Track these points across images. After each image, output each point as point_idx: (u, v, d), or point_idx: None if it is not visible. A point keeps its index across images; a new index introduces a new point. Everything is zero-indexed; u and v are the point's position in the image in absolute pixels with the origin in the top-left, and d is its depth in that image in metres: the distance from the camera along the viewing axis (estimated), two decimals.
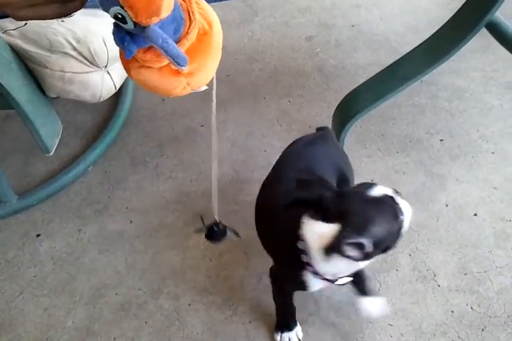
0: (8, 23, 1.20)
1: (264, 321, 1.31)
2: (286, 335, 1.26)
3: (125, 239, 1.50)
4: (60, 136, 1.44)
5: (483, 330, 1.26)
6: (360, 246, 0.88)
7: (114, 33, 0.62)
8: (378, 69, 1.52)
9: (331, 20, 2.19)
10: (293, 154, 1.28)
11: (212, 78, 0.77)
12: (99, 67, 1.29)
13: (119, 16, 0.58)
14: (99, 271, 1.44)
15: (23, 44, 1.20)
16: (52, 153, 1.40)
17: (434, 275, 1.36)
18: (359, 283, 1.21)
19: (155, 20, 0.57)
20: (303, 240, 0.96)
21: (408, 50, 1.46)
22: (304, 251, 0.97)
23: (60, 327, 1.34)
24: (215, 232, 1.00)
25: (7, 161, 1.72)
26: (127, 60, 0.68)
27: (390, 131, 1.72)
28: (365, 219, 0.90)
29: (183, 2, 0.66)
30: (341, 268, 0.97)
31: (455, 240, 1.43)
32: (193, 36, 0.66)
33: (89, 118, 1.85)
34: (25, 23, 1.17)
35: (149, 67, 0.67)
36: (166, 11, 0.58)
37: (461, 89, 1.85)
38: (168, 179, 1.65)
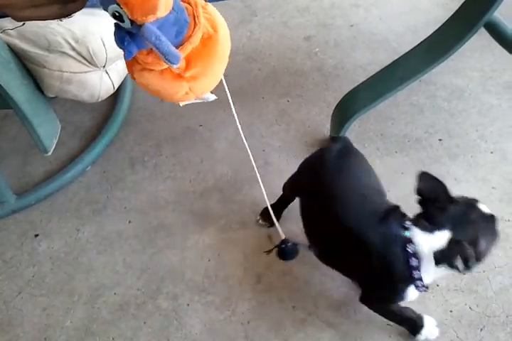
0: (7, 23, 1.19)
1: (262, 321, 1.31)
2: (426, 330, 1.23)
3: (124, 239, 1.50)
4: (58, 136, 1.44)
5: (481, 330, 1.26)
6: (467, 260, 0.89)
7: (114, 34, 0.63)
8: (377, 69, 1.52)
9: (330, 20, 2.19)
10: (335, 172, 1.22)
11: (221, 80, 0.77)
12: (98, 67, 1.29)
13: (117, 14, 0.58)
14: (97, 271, 1.44)
15: (21, 44, 1.20)
16: (50, 153, 1.40)
17: None
18: None
19: (151, 18, 0.57)
20: (411, 243, 0.98)
21: (407, 50, 1.46)
22: (413, 255, 0.97)
23: (59, 327, 1.33)
24: (285, 250, 1.02)
25: (5, 161, 1.71)
26: (130, 63, 0.68)
27: (388, 130, 1.72)
28: (478, 233, 0.91)
29: (188, 6, 0.67)
30: (440, 275, 0.99)
31: None
32: (196, 40, 0.66)
33: (87, 118, 1.85)
34: (24, 23, 1.17)
35: (151, 69, 0.67)
36: (163, 10, 0.58)
37: (460, 88, 1.84)
38: (166, 179, 1.64)
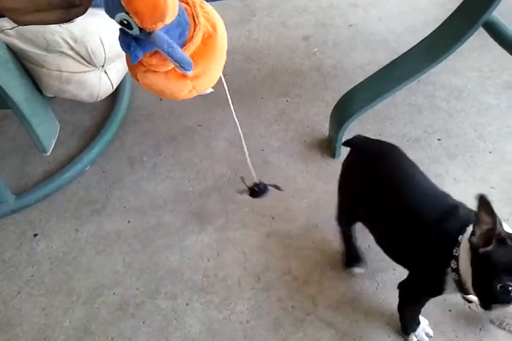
0: (5, 23, 1.19)
1: (261, 321, 1.31)
2: (420, 330, 1.24)
3: (122, 239, 1.50)
4: (57, 136, 1.44)
5: (480, 329, 1.26)
6: None
7: (120, 39, 0.63)
8: (376, 69, 1.52)
9: (329, 19, 2.19)
10: (392, 166, 1.24)
11: (220, 79, 0.78)
12: (97, 67, 1.29)
13: (125, 22, 0.58)
14: (96, 271, 1.44)
15: (20, 43, 1.20)
16: (49, 153, 1.40)
17: None
18: None
19: (160, 25, 0.58)
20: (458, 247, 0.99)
21: (406, 50, 1.47)
22: (454, 258, 0.99)
23: (58, 326, 1.33)
24: (257, 191, 1.04)
25: (4, 161, 1.71)
26: (134, 66, 0.69)
27: (387, 130, 1.72)
28: None
29: (187, 6, 0.67)
30: None
31: None
32: (198, 40, 0.67)
33: (86, 117, 1.85)
34: None
35: (155, 71, 0.68)
36: (170, 17, 0.59)
37: (459, 88, 1.85)
38: (165, 178, 1.65)
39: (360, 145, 1.32)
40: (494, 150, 1.63)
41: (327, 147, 1.67)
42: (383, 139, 1.68)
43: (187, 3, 0.68)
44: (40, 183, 1.62)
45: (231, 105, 0.89)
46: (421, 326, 1.25)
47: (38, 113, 1.32)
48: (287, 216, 1.51)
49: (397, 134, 1.70)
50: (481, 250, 0.92)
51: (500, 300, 0.91)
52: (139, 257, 1.46)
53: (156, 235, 1.50)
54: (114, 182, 1.65)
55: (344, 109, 1.56)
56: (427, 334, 1.25)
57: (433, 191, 1.16)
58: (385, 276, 1.36)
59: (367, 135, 1.69)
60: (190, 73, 0.65)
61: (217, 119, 1.81)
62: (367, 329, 1.27)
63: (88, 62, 1.27)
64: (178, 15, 0.62)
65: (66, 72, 1.26)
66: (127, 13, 0.57)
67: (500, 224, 0.94)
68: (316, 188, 1.57)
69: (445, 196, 1.14)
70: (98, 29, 1.26)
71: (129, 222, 1.54)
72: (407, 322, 1.25)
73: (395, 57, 1.49)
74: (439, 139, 1.68)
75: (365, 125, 1.73)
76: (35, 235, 1.52)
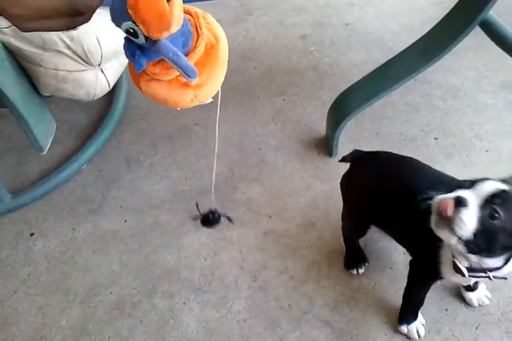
0: (1, 21, 1.19)
1: (258, 320, 1.31)
2: (413, 325, 1.25)
3: (119, 238, 1.50)
4: (53, 135, 1.43)
5: (476, 328, 1.26)
6: None
7: (125, 47, 0.64)
8: (373, 68, 1.53)
9: (326, 19, 2.19)
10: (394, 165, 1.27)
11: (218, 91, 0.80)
12: (93, 66, 1.29)
13: (131, 31, 0.59)
14: (93, 270, 1.44)
15: (16, 42, 1.20)
16: (45, 152, 1.40)
17: None
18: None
19: (165, 34, 0.59)
20: None
21: (402, 49, 1.47)
22: None
23: (54, 326, 1.33)
24: (209, 219, 1.02)
25: (0, 160, 1.71)
26: (137, 74, 0.70)
27: (384, 129, 1.72)
28: None
29: (191, 17, 0.68)
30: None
31: None
32: (200, 50, 0.68)
33: (83, 116, 1.84)
34: None
35: (159, 80, 0.69)
36: (176, 26, 0.59)
37: (455, 87, 1.85)
38: (162, 178, 1.64)
39: (361, 158, 1.31)
40: (491, 149, 1.64)
41: (324, 146, 1.68)
42: (380, 138, 1.69)
43: (190, 15, 0.69)
44: (37, 182, 1.62)
45: (217, 114, 0.90)
46: (417, 321, 1.25)
47: (34, 112, 1.31)
48: (284, 215, 1.51)
49: (394, 133, 1.71)
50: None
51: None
52: (135, 256, 1.46)
53: (153, 234, 1.50)
54: (111, 181, 1.64)
55: (341, 108, 1.56)
56: (418, 332, 1.25)
57: (438, 175, 1.17)
58: (381, 275, 1.37)
59: (364, 134, 1.71)
60: (194, 81, 0.66)
61: (214, 118, 1.79)
62: (364, 328, 1.27)
63: (85, 61, 1.27)
64: (182, 25, 0.63)
65: (63, 70, 1.26)
66: (134, 22, 0.58)
67: None
68: (313, 187, 1.57)
69: (450, 179, 1.14)
70: (95, 28, 1.26)
71: (125, 221, 1.54)
72: (407, 310, 1.25)
73: (391, 56, 1.49)
74: (435, 138, 1.68)
75: (362, 124, 1.73)
76: (32, 234, 1.52)
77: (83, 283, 1.41)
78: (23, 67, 1.28)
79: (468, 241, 0.93)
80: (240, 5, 2.27)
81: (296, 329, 1.29)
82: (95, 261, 1.45)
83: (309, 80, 1.92)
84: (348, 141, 1.66)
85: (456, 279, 1.10)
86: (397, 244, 1.32)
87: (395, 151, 1.63)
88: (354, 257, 1.39)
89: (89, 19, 0.62)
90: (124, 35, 0.62)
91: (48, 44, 1.20)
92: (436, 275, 1.12)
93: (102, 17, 0.64)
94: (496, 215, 0.91)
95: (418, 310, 1.25)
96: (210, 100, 0.78)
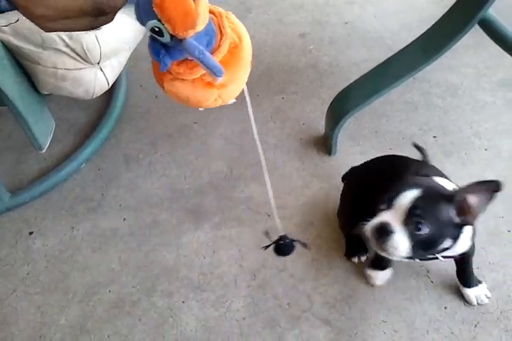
0: (0, 19, 1.19)
1: (257, 318, 1.31)
2: (376, 272, 1.32)
3: (118, 237, 1.50)
4: (52, 134, 1.43)
5: (475, 326, 1.26)
6: None
7: (149, 46, 0.65)
8: (372, 66, 1.52)
9: (325, 17, 2.19)
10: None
11: (242, 90, 0.81)
12: (92, 64, 1.29)
13: (156, 29, 0.59)
14: (92, 269, 1.44)
15: (15, 40, 1.19)
16: (45, 151, 1.40)
17: (427, 272, 1.36)
18: (466, 272, 1.28)
19: (191, 33, 0.60)
20: None
21: (402, 47, 1.46)
22: None
23: (54, 325, 1.33)
24: (282, 246, 1.01)
25: None
26: (161, 73, 0.70)
27: (383, 127, 1.72)
28: None
29: (214, 17, 0.69)
30: None
31: None
32: (224, 49, 0.69)
33: (82, 115, 1.84)
34: (18, 20, 1.16)
35: (183, 79, 0.69)
36: (201, 25, 0.60)
37: (454, 86, 1.85)
38: (161, 176, 1.64)
39: (357, 169, 1.39)
40: (490, 148, 1.64)
41: (323, 144, 1.67)
42: (379, 136, 1.69)
43: (213, 14, 0.69)
44: (36, 181, 1.62)
45: (251, 115, 0.90)
46: (382, 271, 1.32)
47: (33, 110, 1.31)
48: (283, 213, 1.51)
49: (393, 131, 1.71)
50: None
51: None
52: (134, 255, 1.46)
53: (152, 233, 1.50)
54: (110, 179, 1.64)
55: (340, 107, 1.56)
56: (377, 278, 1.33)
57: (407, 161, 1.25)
58: None
59: (363, 132, 1.71)
60: (220, 79, 0.66)
61: (213, 117, 1.81)
62: (362, 326, 1.28)
63: (84, 59, 1.26)
64: (206, 24, 0.63)
65: (62, 69, 1.26)
66: (159, 21, 0.59)
67: None
68: (312, 185, 1.57)
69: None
70: None
71: (124, 219, 1.54)
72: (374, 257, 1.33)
73: (390, 54, 1.49)
74: (434, 136, 1.68)
75: (361, 122, 1.73)
76: (31, 233, 1.52)
77: (82, 281, 1.41)
78: (22, 66, 1.28)
79: (409, 256, 1.01)
80: (239, 3, 2.27)
81: (295, 328, 1.29)
82: (94, 260, 1.45)
83: (308, 79, 1.92)
84: (347, 140, 1.66)
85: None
86: None
87: (393, 149, 1.64)
88: (354, 246, 1.40)
89: (112, 19, 0.63)
90: (149, 33, 0.62)
91: (47, 42, 1.20)
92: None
93: None
94: (422, 226, 0.97)
95: (384, 262, 1.30)
96: (233, 101, 0.79)
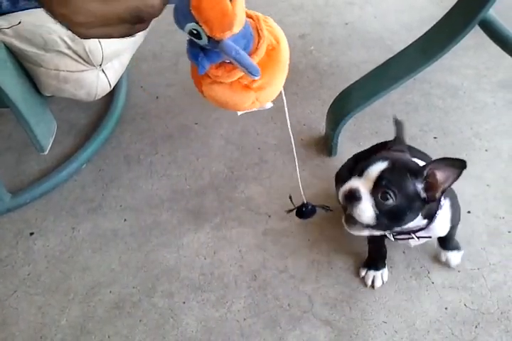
0: (2, 22, 1.19)
1: (258, 319, 1.31)
2: (371, 273, 1.34)
3: (119, 237, 1.50)
4: (54, 135, 1.43)
5: (476, 327, 1.26)
6: None
7: (188, 50, 0.65)
8: (372, 67, 1.53)
9: (325, 18, 2.19)
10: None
11: (280, 93, 0.81)
12: (94, 66, 1.29)
13: (194, 32, 0.60)
14: (93, 270, 1.44)
15: (17, 43, 1.19)
16: (47, 152, 1.39)
17: (428, 273, 1.36)
18: (446, 238, 1.31)
19: (228, 34, 0.60)
20: None
21: (402, 48, 1.47)
22: None
23: (54, 325, 1.33)
24: (304, 211, 1.03)
25: (0, 159, 1.71)
26: (199, 77, 0.71)
27: (383, 128, 1.72)
28: None
29: (251, 20, 0.70)
30: None
31: None
32: (262, 52, 0.69)
33: (82, 116, 1.84)
34: (20, 22, 1.17)
35: (221, 82, 0.70)
36: (238, 26, 0.61)
37: (454, 86, 1.85)
38: (162, 177, 1.65)
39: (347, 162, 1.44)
40: (490, 149, 1.64)
41: (323, 145, 1.68)
42: (380, 137, 1.69)
43: (251, 18, 0.70)
44: (36, 182, 1.62)
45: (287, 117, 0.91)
46: (377, 271, 1.34)
47: (36, 112, 1.31)
48: (284, 214, 1.50)
49: (394, 132, 1.70)
50: None
51: None
52: (135, 255, 1.46)
53: (153, 233, 1.50)
54: (111, 180, 1.65)
55: (340, 108, 1.56)
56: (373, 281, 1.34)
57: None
58: None
59: (363, 133, 1.71)
60: (257, 78, 0.66)
61: (214, 117, 1.81)
62: (363, 327, 1.28)
63: (86, 61, 1.26)
64: (244, 27, 0.64)
65: (64, 71, 1.26)
66: (197, 23, 0.59)
67: None
68: (313, 186, 1.57)
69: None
70: None
71: (125, 220, 1.54)
72: (369, 255, 1.37)
73: (390, 55, 1.49)
74: (435, 137, 1.68)
75: (361, 123, 1.73)
76: (32, 234, 1.52)
77: (83, 282, 1.41)
78: (25, 68, 1.28)
79: (376, 225, 1.05)
80: None
81: (295, 329, 1.29)
82: (95, 261, 1.45)
83: (309, 79, 1.92)
84: (347, 140, 1.67)
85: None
86: (395, 244, 1.32)
87: None
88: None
89: (148, 26, 0.63)
90: (188, 37, 0.62)
91: (49, 44, 1.20)
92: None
93: None
94: (388, 196, 1.02)
95: (377, 261, 1.34)
96: (270, 105, 0.80)
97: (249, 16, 0.69)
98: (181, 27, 0.61)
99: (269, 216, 1.51)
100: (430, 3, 2.22)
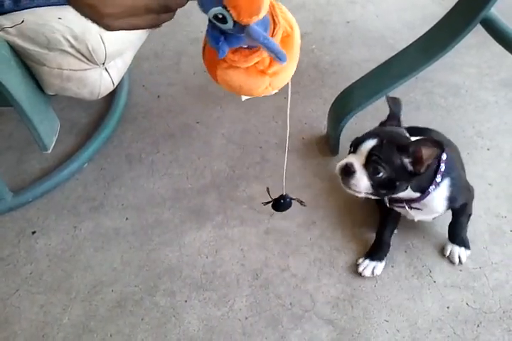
0: (5, 21, 1.19)
1: (260, 318, 1.31)
2: (366, 262, 1.37)
3: (121, 236, 1.50)
4: (57, 134, 1.43)
5: (478, 326, 1.26)
6: None
7: (208, 34, 0.66)
8: (374, 66, 1.52)
9: (327, 16, 2.19)
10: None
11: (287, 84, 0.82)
12: (97, 64, 1.29)
13: (220, 16, 0.60)
14: (94, 268, 1.44)
15: (20, 42, 1.19)
16: (50, 151, 1.39)
17: (430, 272, 1.36)
18: (454, 227, 1.39)
19: (255, 19, 0.60)
20: None
21: (404, 47, 1.47)
22: None
23: (56, 324, 1.34)
24: (281, 204, 1.09)
25: (1, 158, 1.71)
26: (215, 62, 0.72)
27: None
28: None
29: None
30: None
31: None
32: (278, 38, 0.70)
33: (84, 115, 1.84)
34: (23, 21, 1.16)
35: (237, 67, 0.70)
36: (264, 11, 0.61)
37: (457, 85, 1.85)
38: (163, 176, 1.65)
39: None
40: (492, 147, 1.64)
41: (325, 144, 1.68)
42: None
43: None
44: (38, 181, 1.62)
45: (288, 104, 0.91)
46: (379, 263, 1.37)
47: (39, 111, 1.31)
48: (285, 213, 1.50)
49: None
50: None
51: None
52: (137, 254, 1.46)
53: (155, 232, 1.50)
54: (112, 179, 1.65)
55: (342, 106, 1.56)
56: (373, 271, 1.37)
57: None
58: (383, 273, 1.37)
59: (365, 131, 1.70)
60: (284, 64, 0.68)
61: (215, 116, 1.81)
62: (365, 326, 1.28)
63: (89, 60, 1.26)
64: None
65: (67, 69, 1.25)
66: (224, 7, 0.59)
67: None
68: (314, 185, 1.58)
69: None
70: (98, 27, 1.25)
71: (127, 219, 1.54)
72: (372, 245, 1.41)
73: (392, 54, 1.49)
74: None
75: (363, 122, 1.72)
76: (34, 232, 1.52)
77: (85, 281, 1.41)
78: (28, 67, 1.27)
79: (372, 193, 1.19)
80: None
81: (297, 327, 1.29)
82: (97, 259, 1.46)
83: (310, 78, 1.92)
84: (349, 139, 1.65)
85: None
86: (398, 242, 1.32)
87: None
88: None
89: (173, 17, 0.63)
90: (209, 21, 0.63)
91: (53, 43, 1.20)
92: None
93: None
94: (378, 170, 1.15)
95: (380, 252, 1.37)
96: (275, 91, 0.80)
97: None
98: (205, 11, 0.61)
99: (271, 215, 1.51)
100: (432, 1, 2.22)
